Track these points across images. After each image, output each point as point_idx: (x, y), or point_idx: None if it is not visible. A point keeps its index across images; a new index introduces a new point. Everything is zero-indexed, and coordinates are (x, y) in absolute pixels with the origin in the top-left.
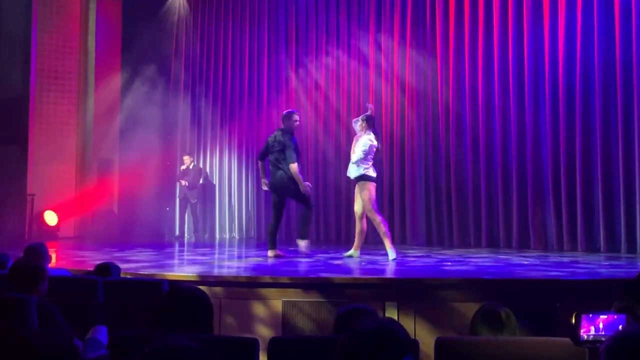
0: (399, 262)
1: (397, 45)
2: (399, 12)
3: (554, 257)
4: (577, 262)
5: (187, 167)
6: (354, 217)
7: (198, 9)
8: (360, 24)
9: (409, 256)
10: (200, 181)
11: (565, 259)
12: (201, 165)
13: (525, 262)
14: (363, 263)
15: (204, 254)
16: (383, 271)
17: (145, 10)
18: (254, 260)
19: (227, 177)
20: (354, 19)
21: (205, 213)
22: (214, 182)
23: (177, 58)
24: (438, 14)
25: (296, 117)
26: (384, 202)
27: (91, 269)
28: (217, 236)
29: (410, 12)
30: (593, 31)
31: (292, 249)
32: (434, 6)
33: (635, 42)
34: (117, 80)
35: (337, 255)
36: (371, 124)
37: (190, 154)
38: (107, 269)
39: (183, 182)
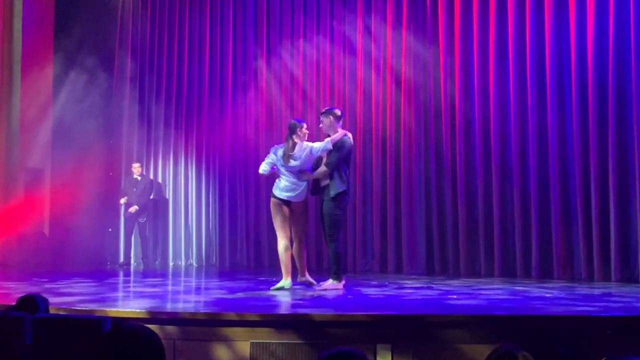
0: (393, 296)
1: (390, 30)
2: None
3: (582, 289)
4: (610, 294)
5: (135, 178)
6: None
7: None
8: (346, 3)
9: (405, 288)
10: (151, 196)
11: (596, 291)
12: (152, 176)
13: (547, 295)
14: (349, 296)
15: (154, 286)
16: (374, 306)
17: None
18: (218, 294)
19: (183, 191)
20: None
21: (156, 235)
22: (167, 197)
23: (123, 45)
24: None
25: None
26: (373, 220)
27: (13, 302)
28: (171, 263)
29: None
30: (629, 16)
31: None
32: None
33: None
34: (48, 73)
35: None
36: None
37: (140, 162)
38: (32, 303)
39: (122, 200)
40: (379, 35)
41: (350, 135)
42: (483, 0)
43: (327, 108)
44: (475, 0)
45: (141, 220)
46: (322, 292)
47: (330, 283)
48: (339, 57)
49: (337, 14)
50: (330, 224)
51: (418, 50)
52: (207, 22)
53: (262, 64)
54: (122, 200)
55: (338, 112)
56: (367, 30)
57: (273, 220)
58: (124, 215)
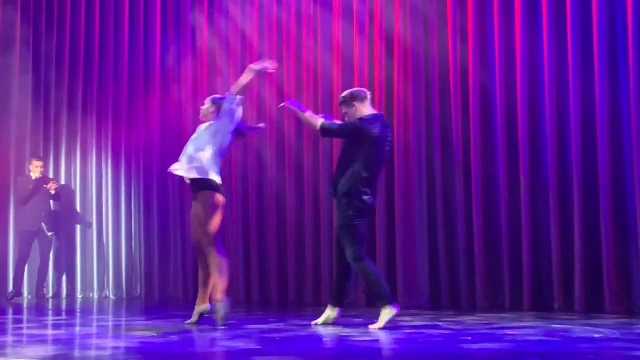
0: (386, 339)
1: None
2: None
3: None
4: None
5: (35, 180)
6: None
7: None
8: None
9: (403, 326)
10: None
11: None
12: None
13: (597, 336)
14: (325, 339)
15: (58, 326)
16: (359, 353)
17: None
18: (144, 338)
19: (96, 200)
20: None
21: (59, 258)
22: (74, 208)
23: None
24: None
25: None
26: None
27: None
28: (79, 296)
29: None
30: None
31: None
32: None
33: None
34: None
35: (281, 325)
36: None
37: (42, 160)
38: None
39: (51, 186)
40: None
41: (377, 122)
42: None
43: (346, 93)
44: None
45: (49, 234)
46: (377, 331)
47: (383, 315)
48: (308, 11)
49: None
50: (347, 236)
51: (417, 3)
52: None
53: (201, 22)
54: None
55: (362, 92)
56: None
57: (214, 221)
58: (23, 227)
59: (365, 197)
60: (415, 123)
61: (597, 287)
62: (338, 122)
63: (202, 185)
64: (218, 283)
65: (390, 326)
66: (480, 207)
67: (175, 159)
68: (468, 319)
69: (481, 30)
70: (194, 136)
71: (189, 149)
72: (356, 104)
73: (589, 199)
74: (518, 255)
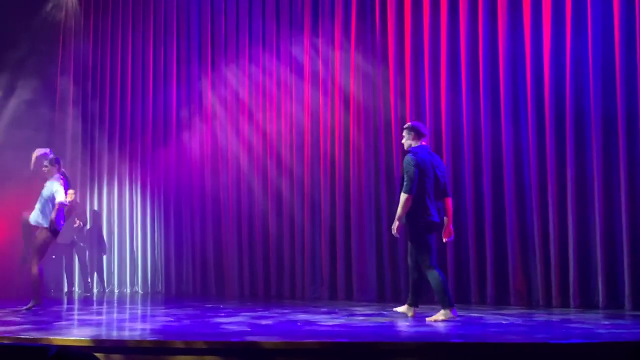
0: (344, 323)
1: (338, 50)
2: (340, 7)
3: (540, 316)
4: (569, 320)
5: (75, 203)
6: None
7: (90, 8)
8: (293, 23)
9: (356, 314)
10: (88, 224)
11: (555, 318)
12: (96, 203)
13: (504, 322)
14: (299, 323)
15: (99, 313)
16: (324, 333)
17: (23, 8)
18: (164, 321)
19: (128, 218)
20: (284, 17)
21: (100, 262)
22: (112, 224)
23: (64, 69)
24: (390, 9)
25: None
26: (322, 245)
27: None
28: (116, 291)
29: (356, 7)
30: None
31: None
32: (384, 0)
33: None
34: None
35: (266, 313)
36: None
37: (84, 186)
38: None
39: (77, 223)
40: (326, 56)
41: (415, 152)
42: (434, 19)
43: (409, 123)
44: (426, 19)
45: (82, 245)
46: (433, 323)
47: (441, 313)
48: (286, 78)
49: (283, 34)
50: (417, 251)
51: (367, 71)
52: (150, 45)
53: (206, 87)
54: (77, 223)
55: (417, 127)
56: (315, 50)
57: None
58: (65, 241)
59: (427, 217)
60: (365, 160)
61: (504, 284)
62: (405, 179)
63: None
64: None
65: (347, 314)
66: None
67: (187, 188)
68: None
69: (415, 91)
70: None
71: None
72: (412, 134)
73: (496, 214)
74: (442, 260)
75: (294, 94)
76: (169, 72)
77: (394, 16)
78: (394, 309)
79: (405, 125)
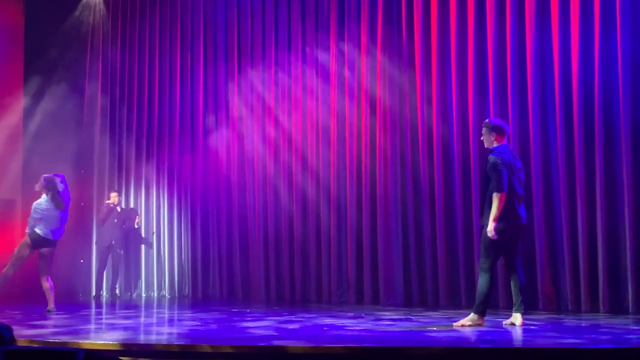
0: (371, 328)
1: (365, 54)
2: (366, 10)
3: (569, 321)
4: (598, 326)
5: (114, 206)
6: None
7: (118, 14)
8: (319, 28)
9: (383, 319)
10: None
11: (584, 323)
12: (123, 206)
13: (533, 327)
14: (325, 328)
15: (127, 317)
16: (351, 338)
17: (52, 15)
18: (191, 325)
19: (155, 222)
20: (310, 22)
21: (128, 267)
22: (139, 228)
23: (93, 76)
24: (417, 12)
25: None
26: (348, 250)
27: None
28: (143, 295)
29: (382, 10)
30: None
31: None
32: (411, 3)
33: None
34: (19, 103)
35: (292, 318)
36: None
37: (119, 192)
38: None
39: (137, 222)
40: (352, 60)
41: (500, 152)
42: (461, 22)
43: (489, 121)
44: (453, 22)
45: (119, 251)
46: (460, 328)
47: (469, 318)
48: (312, 82)
49: (309, 38)
50: (485, 250)
51: (394, 75)
52: (178, 51)
53: (233, 92)
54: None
55: (498, 124)
56: (341, 55)
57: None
58: (102, 244)
59: (517, 219)
60: (392, 165)
61: (533, 289)
62: (493, 179)
63: None
64: None
65: (374, 318)
66: (441, 228)
67: (213, 192)
68: (433, 314)
69: (442, 96)
70: None
71: None
72: (494, 134)
73: (526, 219)
74: (471, 265)
75: (320, 97)
76: (196, 78)
77: (420, 19)
78: (504, 323)
79: (485, 124)
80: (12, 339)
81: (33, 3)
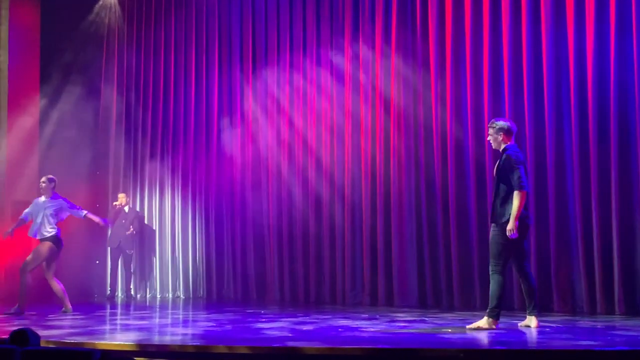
0: (386, 329)
1: (379, 55)
2: (381, 12)
3: (584, 323)
4: (613, 327)
5: (121, 207)
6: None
7: (133, 16)
8: (333, 29)
9: (397, 320)
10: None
11: (599, 325)
12: (138, 209)
13: (547, 329)
14: (340, 329)
15: (142, 318)
16: (366, 339)
17: (68, 17)
18: (206, 326)
19: (170, 224)
20: (324, 23)
21: (143, 267)
22: (154, 229)
23: (108, 79)
24: (431, 14)
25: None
26: (363, 251)
27: (5, 336)
28: (158, 296)
29: (396, 12)
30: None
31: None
32: (425, 4)
33: None
34: (35, 105)
35: (306, 319)
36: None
37: (126, 193)
38: (24, 337)
39: (130, 230)
40: (367, 62)
41: (515, 151)
42: (475, 23)
43: (496, 122)
44: (468, 23)
45: (129, 251)
46: (474, 331)
47: (483, 321)
48: (326, 83)
49: (323, 40)
50: (496, 251)
51: (408, 76)
52: (193, 53)
53: (248, 93)
54: (130, 230)
55: (506, 124)
56: (355, 56)
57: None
58: (111, 245)
59: (526, 219)
60: (406, 166)
61: (548, 291)
62: (515, 177)
63: None
64: None
65: (388, 320)
66: (455, 229)
67: (227, 193)
68: (448, 316)
69: (456, 97)
70: None
71: None
72: (503, 135)
73: (539, 220)
74: (485, 266)
75: (335, 99)
76: (210, 80)
77: (434, 20)
78: (519, 325)
79: (492, 124)
80: (38, 345)
81: (49, 5)
